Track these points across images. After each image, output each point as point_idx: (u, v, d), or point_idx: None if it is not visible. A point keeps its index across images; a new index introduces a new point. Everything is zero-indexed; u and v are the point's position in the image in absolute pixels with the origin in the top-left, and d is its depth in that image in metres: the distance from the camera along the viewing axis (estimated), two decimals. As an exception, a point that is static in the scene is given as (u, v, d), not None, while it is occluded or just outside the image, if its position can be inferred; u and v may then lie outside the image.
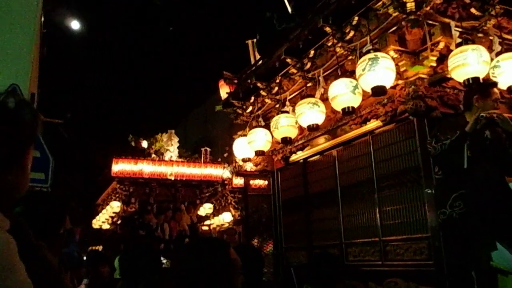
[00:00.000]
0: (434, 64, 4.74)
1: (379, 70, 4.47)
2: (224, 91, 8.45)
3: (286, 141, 6.29)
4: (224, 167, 12.42)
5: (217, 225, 13.03)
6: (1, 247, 1.02)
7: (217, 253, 1.90)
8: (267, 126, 6.51)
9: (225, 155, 13.65)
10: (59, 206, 2.02)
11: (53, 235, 1.89)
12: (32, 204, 1.87)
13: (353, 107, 5.11)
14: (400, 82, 4.85)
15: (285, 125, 6.04)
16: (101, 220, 15.58)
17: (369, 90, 4.66)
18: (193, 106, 19.60)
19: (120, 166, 12.49)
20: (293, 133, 6.18)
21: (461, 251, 3.79)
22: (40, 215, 1.87)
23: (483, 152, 3.78)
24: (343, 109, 5.13)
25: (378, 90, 4.57)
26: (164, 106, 18.81)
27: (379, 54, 4.55)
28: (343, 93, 5.04)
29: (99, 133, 18.13)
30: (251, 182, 8.01)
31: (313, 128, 5.71)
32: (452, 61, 4.28)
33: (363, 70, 4.58)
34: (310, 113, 5.57)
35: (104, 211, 14.71)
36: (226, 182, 12.48)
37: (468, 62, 4.15)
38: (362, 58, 4.63)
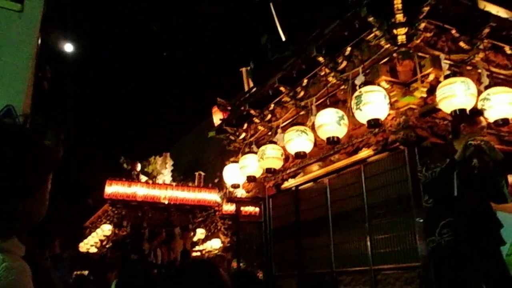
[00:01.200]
0: (425, 95, 4.85)
1: (365, 107, 4.64)
2: (217, 117, 8.52)
3: (270, 171, 6.41)
4: (218, 192, 12.35)
5: (206, 251, 12.90)
6: (17, 275, 1.03)
7: (208, 275, 1.91)
8: (259, 153, 6.56)
9: (216, 180, 13.60)
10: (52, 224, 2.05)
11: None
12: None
13: (337, 137, 5.23)
14: (391, 112, 4.94)
15: (270, 157, 6.13)
16: (90, 244, 15.25)
17: (365, 122, 4.78)
18: (185, 130, 19.66)
19: (113, 188, 12.26)
20: (277, 165, 6.26)
21: (451, 279, 3.81)
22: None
23: (471, 180, 3.84)
24: (328, 138, 5.24)
25: (373, 123, 4.73)
26: (156, 130, 18.83)
27: (363, 90, 4.68)
28: (329, 123, 5.17)
29: (90, 155, 18.02)
30: (242, 208, 7.98)
31: (300, 156, 5.78)
32: (440, 92, 4.40)
33: (353, 109, 4.80)
34: (298, 140, 5.64)
35: (93, 234, 14.39)
36: (216, 208, 12.42)
37: (455, 94, 4.27)
38: (354, 95, 4.79)
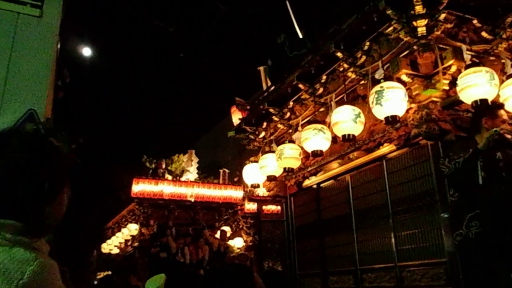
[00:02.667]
0: (447, 88, 4.74)
1: (386, 103, 4.60)
2: (236, 117, 8.51)
3: (288, 171, 6.41)
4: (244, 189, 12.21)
5: (230, 250, 12.82)
6: (49, 271, 1.12)
7: (242, 278, 1.89)
8: (280, 151, 6.54)
9: (236, 179, 13.55)
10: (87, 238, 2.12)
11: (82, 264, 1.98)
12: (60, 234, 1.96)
13: (353, 135, 5.20)
14: (413, 105, 4.85)
15: (288, 156, 6.12)
16: (113, 244, 15.27)
17: (382, 118, 4.73)
18: (203, 131, 19.73)
19: (140, 187, 12.03)
20: (295, 164, 6.26)
21: (480, 272, 3.72)
22: (68, 244, 1.96)
23: (496, 172, 3.76)
24: (343, 136, 5.23)
25: (391, 120, 4.70)
26: (174, 131, 18.92)
27: (385, 85, 4.62)
28: (345, 121, 5.14)
29: (112, 156, 18.18)
30: (264, 207, 7.95)
31: (317, 154, 5.76)
32: (461, 82, 4.30)
33: (372, 103, 4.74)
34: (315, 139, 5.62)
35: (118, 234, 14.38)
36: (238, 207, 12.33)
37: (478, 83, 4.17)
38: (372, 91, 4.73)
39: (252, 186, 7.42)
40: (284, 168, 6.31)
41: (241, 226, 12.47)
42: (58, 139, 1.30)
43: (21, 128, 1.58)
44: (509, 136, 3.72)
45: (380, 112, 4.71)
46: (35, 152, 1.22)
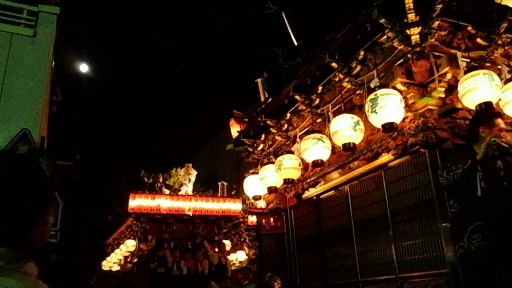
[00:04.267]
0: (443, 95, 4.69)
1: (381, 110, 4.54)
2: (235, 129, 8.47)
3: (288, 182, 6.34)
4: (243, 201, 12.15)
5: (232, 263, 12.68)
6: None
7: None
8: (279, 163, 6.49)
9: (233, 192, 13.48)
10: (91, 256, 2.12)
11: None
12: (65, 253, 1.99)
13: (354, 143, 5.14)
14: (409, 114, 4.81)
15: (288, 167, 6.07)
16: (113, 261, 15.13)
17: (379, 126, 4.67)
18: (200, 145, 19.73)
19: (137, 202, 12.02)
20: (295, 175, 6.21)
21: (483, 286, 3.64)
22: (73, 262, 1.99)
23: (497, 182, 3.69)
24: (344, 145, 5.16)
25: (388, 127, 4.63)
26: (171, 145, 18.88)
27: (379, 92, 4.57)
28: (344, 129, 5.08)
29: (109, 171, 18.12)
30: (264, 220, 7.88)
31: (318, 164, 5.71)
32: (462, 87, 4.25)
33: (367, 112, 4.69)
34: (315, 148, 5.57)
35: (117, 251, 14.30)
36: (241, 219, 12.25)
37: (479, 86, 4.12)
38: (367, 99, 4.69)
39: (254, 198, 7.37)
40: (285, 179, 6.25)
41: (242, 239, 12.37)
42: (44, 162, 1.34)
43: (8, 151, 1.61)
44: (506, 146, 3.66)
45: (376, 120, 4.65)
46: (21, 176, 1.22)
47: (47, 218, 1.30)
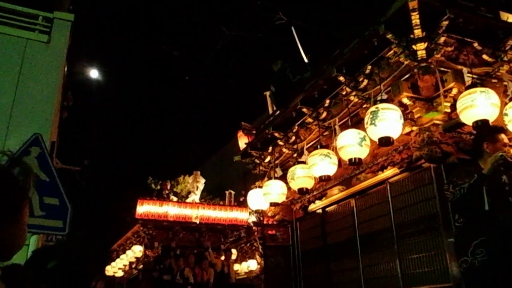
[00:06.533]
0: (448, 110, 4.73)
1: (380, 123, 4.62)
2: (242, 141, 8.54)
3: (302, 191, 6.39)
4: (249, 212, 12.10)
5: (244, 272, 12.59)
6: None
7: None
8: (285, 176, 6.55)
9: (241, 199, 13.42)
10: (93, 261, 2.11)
11: None
12: (65, 260, 1.96)
13: (359, 158, 5.21)
14: (414, 128, 4.84)
15: (301, 176, 6.13)
16: (117, 267, 15.10)
17: (376, 139, 4.75)
18: (207, 155, 19.80)
19: (145, 208, 12.04)
20: (309, 184, 6.24)
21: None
22: (74, 271, 1.96)
23: (502, 197, 3.70)
24: (350, 160, 5.23)
25: (384, 141, 4.71)
26: (181, 152, 18.99)
27: (380, 106, 4.64)
28: (350, 144, 5.16)
29: (118, 178, 18.23)
30: (270, 232, 7.90)
31: (325, 179, 5.81)
32: (460, 103, 4.31)
33: (366, 123, 4.77)
34: (322, 164, 5.67)
35: (122, 256, 14.29)
36: (254, 228, 12.17)
37: (476, 104, 4.17)
38: (367, 111, 4.75)
39: (256, 211, 7.43)
40: (299, 189, 6.31)
41: (253, 248, 12.30)
42: (19, 171, 1.30)
43: None
44: (511, 160, 3.67)
45: (374, 132, 4.73)
46: None
47: (20, 221, 1.27)
